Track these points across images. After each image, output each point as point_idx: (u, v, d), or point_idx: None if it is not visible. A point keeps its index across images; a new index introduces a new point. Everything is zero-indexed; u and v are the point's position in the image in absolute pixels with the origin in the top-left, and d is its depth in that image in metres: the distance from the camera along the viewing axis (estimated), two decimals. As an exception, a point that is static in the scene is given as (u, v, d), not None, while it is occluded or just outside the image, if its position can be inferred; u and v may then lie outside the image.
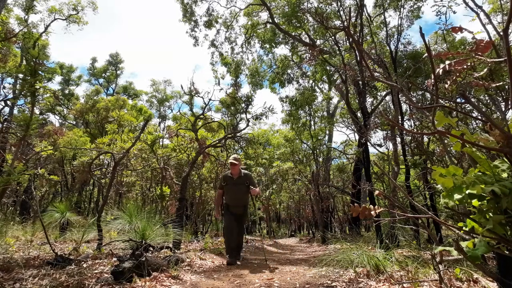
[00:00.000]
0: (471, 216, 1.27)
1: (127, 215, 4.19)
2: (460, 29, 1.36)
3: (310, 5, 9.15)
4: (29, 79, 4.59)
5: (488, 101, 6.35)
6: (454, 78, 1.64)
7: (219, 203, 4.80)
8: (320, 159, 12.05)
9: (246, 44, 11.50)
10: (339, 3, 8.42)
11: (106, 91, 26.06)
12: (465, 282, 2.34)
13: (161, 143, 15.96)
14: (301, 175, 12.45)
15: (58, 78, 22.58)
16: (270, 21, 9.81)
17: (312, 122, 11.80)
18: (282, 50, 60.04)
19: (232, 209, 4.57)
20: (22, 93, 5.26)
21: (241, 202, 4.59)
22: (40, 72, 4.77)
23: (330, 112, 15.20)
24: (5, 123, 10.21)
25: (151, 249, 4.33)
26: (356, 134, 10.46)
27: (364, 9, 8.12)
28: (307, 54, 10.42)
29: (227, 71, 11.90)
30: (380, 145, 8.52)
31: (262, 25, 10.84)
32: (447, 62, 1.29)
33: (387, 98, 8.93)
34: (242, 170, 4.65)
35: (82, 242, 4.71)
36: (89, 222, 5.86)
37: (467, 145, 1.21)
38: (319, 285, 2.75)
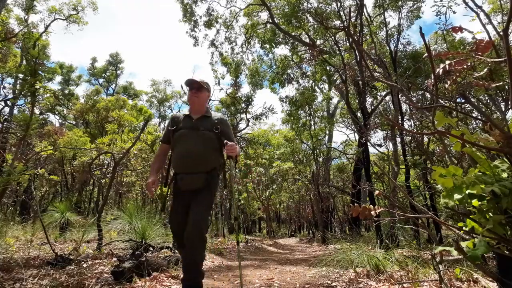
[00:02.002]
0: (471, 216, 1.27)
1: (127, 215, 4.20)
2: (460, 29, 1.36)
3: (310, 5, 9.15)
4: (29, 79, 4.59)
5: (488, 101, 6.36)
6: (454, 78, 1.64)
7: (159, 167, 2.57)
8: (320, 159, 12.06)
9: (246, 44, 11.51)
10: (339, 3, 8.43)
11: (106, 91, 26.06)
12: (465, 282, 2.34)
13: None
14: (301, 175, 12.45)
15: (58, 78, 22.56)
16: (270, 21, 9.81)
17: (312, 122, 11.82)
18: (282, 50, 60.06)
19: (182, 184, 2.32)
20: (22, 93, 5.27)
21: (200, 165, 2.30)
22: (40, 72, 4.77)
23: (330, 112, 15.20)
24: (5, 123, 10.22)
25: (151, 249, 4.33)
26: (356, 134, 10.46)
27: (364, 9, 8.13)
28: (307, 54, 10.44)
29: (227, 71, 11.92)
30: (380, 145, 8.53)
31: (262, 25, 10.84)
32: (447, 62, 1.29)
33: (387, 98, 8.93)
34: (213, 112, 2.59)
35: (82, 242, 4.71)
36: (89, 222, 5.87)
37: (467, 145, 1.21)
38: (319, 285, 2.75)
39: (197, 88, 2.47)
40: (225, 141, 2.29)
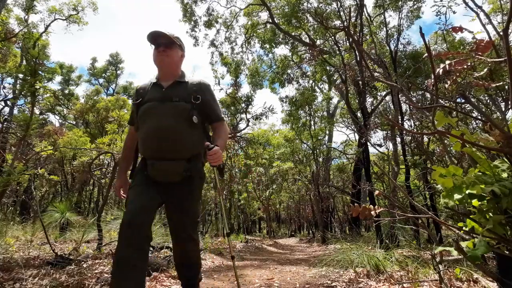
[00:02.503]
0: (471, 216, 1.27)
1: (127, 215, 4.19)
2: (460, 29, 1.36)
3: (310, 5, 9.16)
4: (29, 79, 4.59)
5: (488, 101, 6.36)
6: (454, 78, 1.64)
7: (128, 163, 1.97)
8: (320, 159, 12.06)
9: (246, 44, 11.51)
10: (339, 3, 8.43)
11: (106, 91, 26.07)
12: (465, 282, 2.34)
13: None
14: (301, 175, 12.45)
15: (58, 78, 22.57)
16: (270, 21, 9.81)
17: (312, 122, 11.82)
18: (282, 50, 60.10)
19: (153, 172, 1.73)
20: (22, 93, 5.27)
21: (176, 149, 1.72)
22: (40, 72, 4.76)
23: (330, 112, 15.20)
24: (5, 123, 10.23)
25: (151, 249, 4.33)
26: (356, 134, 10.46)
27: (364, 9, 8.13)
28: (307, 54, 10.44)
29: (227, 71, 11.92)
30: (380, 145, 8.54)
31: (262, 25, 10.85)
32: (447, 62, 1.29)
33: (387, 98, 8.93)
34: (190, 77, 1.89)
35: (82, 242, 4.71)
36: (89, 222, 5.86)
37: (467, 145, 1.21)
38: (319, 285, 2.75)
39: (165, 44, 1.77)
40: (206, 143, 1.69)
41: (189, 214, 1.79)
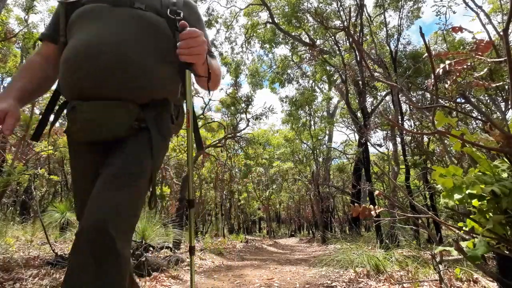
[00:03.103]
0: (471, 216, 1.27)
1: (127, 215, 4.19)
2: (460, 29, 1.36)
3: (310, 5, 9.16)
4: (29, 79, 4.58)
5: (488, 101, 6.37)
6: (454, 78, 1.64)
7: (27, 83, 1.01)
8: (320, 159, 12.06)
9: (246, 44, 11.52)
10: (339, 3, 8.43)
11: (106, 91, 26.08)
12: (465, 282, 2.34)
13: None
14: (301, 175, 12.46)
15: (58, 78, 22.64)
16: (270, 21, 9.82)
17: (312, 122, 11.83)
18: (282, 50, 60.17)
19: (75, 124, 0.94)
20: (22, 93, 5.26)
21: (123, 80, 0.93)
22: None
23: (330, 112, 15.20)
24: (5, 123, 10.21)
25: (151, 249, 4.33)
26: (356, 134, 10.46)
27: (364, 9, 8.13)
28: (307, 54, 10.44)
29: (227, 71, 11.92)
30: (380, 145, 8.53)
31: (262, 25, 10.85)
32: (447, 62, 1.29)
33: (387, 98, 8.93)
34: None
35: (82, 242, 4.69)
36: (89, 222, 5.85)
37: (467, 145, 1.21)
38: (319, 285, 2.75)
39: None
40: (182, 22, 0.98)
41: (121, 195, 0.86)
